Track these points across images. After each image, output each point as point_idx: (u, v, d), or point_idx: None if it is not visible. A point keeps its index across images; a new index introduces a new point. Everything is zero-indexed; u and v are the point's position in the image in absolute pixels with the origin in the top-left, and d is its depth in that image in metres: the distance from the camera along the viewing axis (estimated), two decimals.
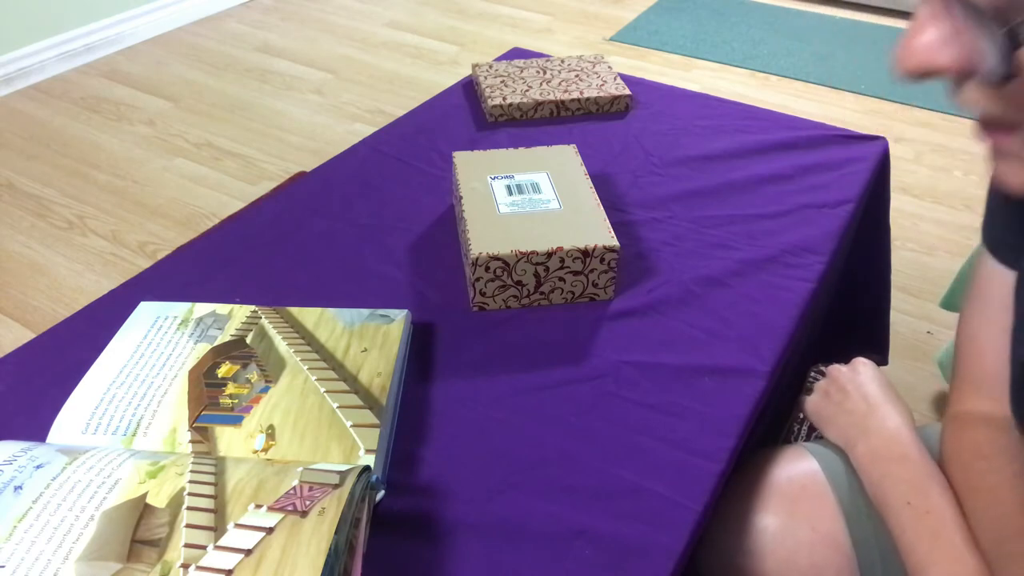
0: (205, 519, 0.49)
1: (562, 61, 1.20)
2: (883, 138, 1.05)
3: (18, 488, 0.51)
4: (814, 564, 0.64)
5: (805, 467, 0.69)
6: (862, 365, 0.73)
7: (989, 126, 0.36)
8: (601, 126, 1.09)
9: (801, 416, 1.20)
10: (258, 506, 0.50)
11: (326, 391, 0.64)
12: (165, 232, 1.80)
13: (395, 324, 0.71)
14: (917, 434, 0.64)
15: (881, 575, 0.63)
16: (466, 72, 1.27)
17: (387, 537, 0.56)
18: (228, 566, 0.46)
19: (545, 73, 1.16)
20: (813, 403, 0.75)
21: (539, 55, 1.26)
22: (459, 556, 0.55)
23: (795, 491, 0.68)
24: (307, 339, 0.69)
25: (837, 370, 0.74)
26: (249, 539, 0.48)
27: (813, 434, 1.25)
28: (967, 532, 0.55)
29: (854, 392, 0.70)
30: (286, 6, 3.02)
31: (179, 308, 0.74)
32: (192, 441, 0.60)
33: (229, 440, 0.60)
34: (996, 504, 0.55)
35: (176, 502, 0.51)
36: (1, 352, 0.82)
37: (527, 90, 1.11)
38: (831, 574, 0.64)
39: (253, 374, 0.66)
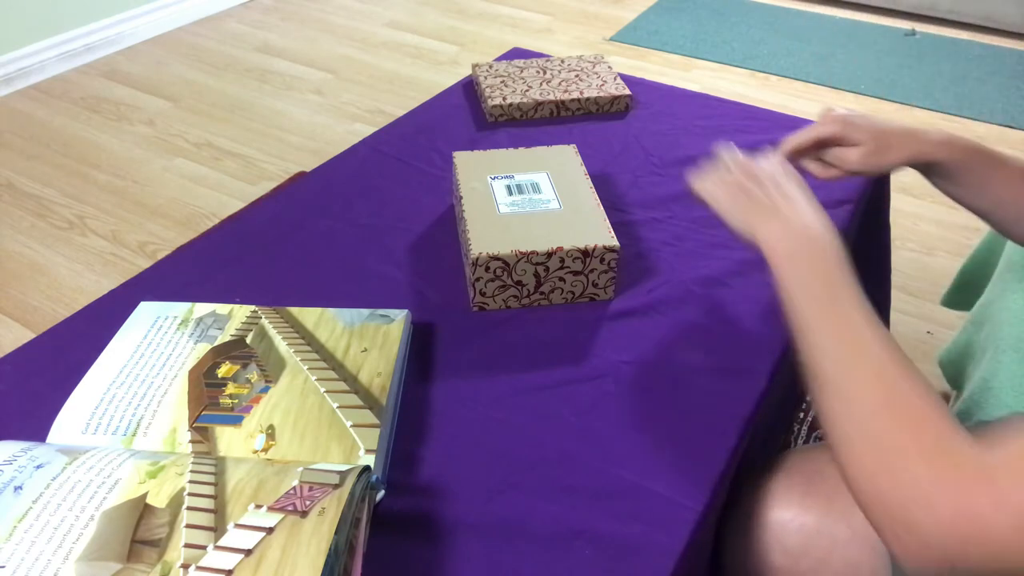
0: (205, 519, 0.49)
1: (562, 61, 1.20)
2: None
3: (18, 488, 0.51)
4: (849, 563, 0.63)
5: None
6: (772, 156, 0.66)
7: None
8: (601, 126, 1.09)
9: (802, 416, 1.21)
10: (258, 506, 0.50)
11: (326, 391, 0.64)
12: (165, 232, 1.80)
13: (395, 324, 0.71)
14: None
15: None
16: (466, 72, 1.27)
17: (387, 537, 0.56)
18: (228, 566, 0.46)
19: (545, 73, 1.16)
20: (708, 190, 0.66)
21: (539, 55, 1.26)
22: (459, 556, 0.55)
23: (830, 489, 0.67)
24: (307, 339, 0.69)
25: (736, 157, 0.67)
26: (249, 539, 0.48)
27: (814, 434, 1.25)
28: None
29: (767, 181, 0.63)
30: (286, 6, 3.02)
31: (179, 308, 0.74)
32: (192, 441, 0.60)
33: (229, 440, 0.60)
34: None
35: (176, 502, 0.51)
36: (1, 352, 0.82)
37: (527, 90, 1.11)
38: (866, 573, 0.63)
39: (253, 374, 0.66)
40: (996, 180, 0.74)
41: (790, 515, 0.66)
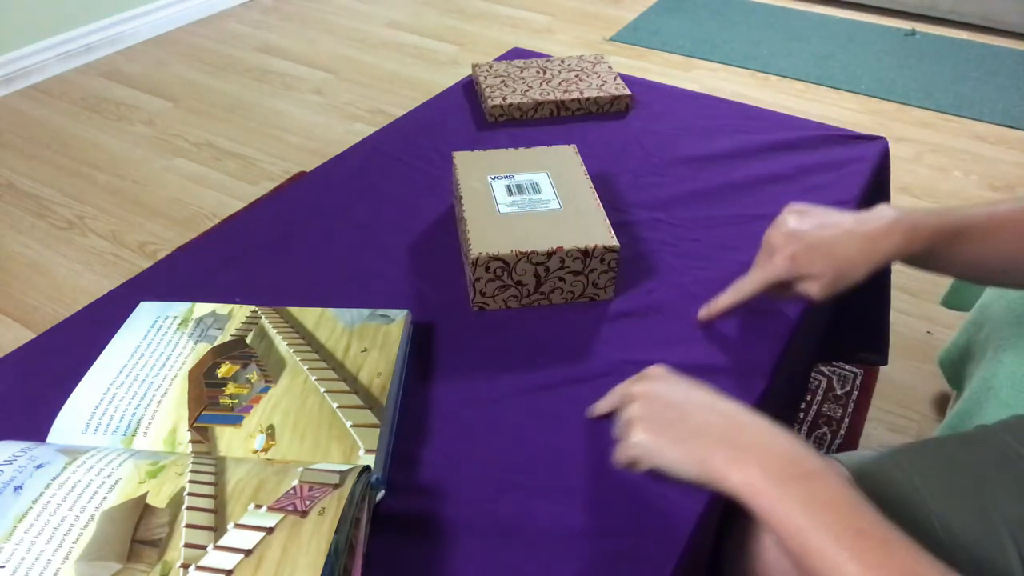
0: (205, 519, 0.49)
1: (562, 61, 1.20)
2: (883, 138, 1.05)
3: (18, 488, 0.51)
4: None
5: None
6: (655, 371, 0.57)
7: None
8: (601, 126, 1.09)
9: (801, 416, 1.20)
10: (258, 506, 0.50)
11: (326, 391, 0.64)
12: (165, 232, 1.80)
13: (395, 324, 0.71)
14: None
15: None
16: (466, 72, 1.27)
17: (387, 537, 0.56)
18: (228, 566, 0.46)
19: (545, 73, 1.16)
20: (636, 443, 0.52)
21: (539, 55, 1.26)
22: (459, 556, 0.55)
23: None
24: (307, 339, 0.69)
25: (628, 387, 0.56)
26: (249, 539, 0.48)
27: (814, 434, 1.25)
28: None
29: (687, 402, 0.52)
30: (286, 6, 3.02)
31: (179, 308, 0.74)
32: (192, 441, 0.60)
33: (229, 440, 0.60)
34: None
35: (176, 502, 0.51)
36: (1, 352, 0.82)
37: (527, 90, 1.11)
38: None
39: (253, 374, 0.66)
40: (972, 250, 0.67)
41: None
